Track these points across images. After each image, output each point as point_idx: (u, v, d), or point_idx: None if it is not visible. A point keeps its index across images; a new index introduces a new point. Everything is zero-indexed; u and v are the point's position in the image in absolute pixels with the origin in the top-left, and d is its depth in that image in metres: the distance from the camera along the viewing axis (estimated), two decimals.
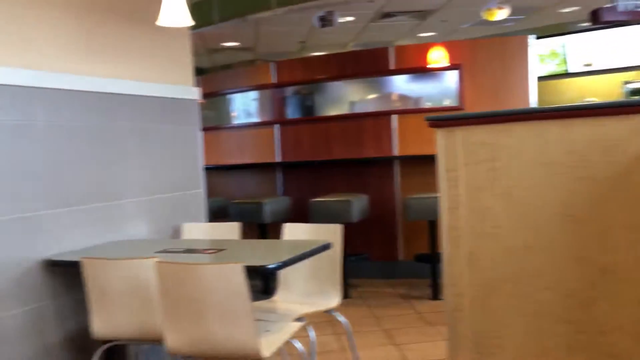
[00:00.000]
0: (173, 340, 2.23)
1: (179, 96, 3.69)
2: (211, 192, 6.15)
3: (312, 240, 2.85)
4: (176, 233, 3.59)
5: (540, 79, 6.15)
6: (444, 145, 2.31)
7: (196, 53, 9.78)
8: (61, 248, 2.86)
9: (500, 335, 2.23)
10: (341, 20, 8.20)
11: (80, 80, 3.01)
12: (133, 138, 3.35)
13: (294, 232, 3.16)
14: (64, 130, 2.93)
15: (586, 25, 8.23)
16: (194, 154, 3.84)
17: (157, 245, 2.96)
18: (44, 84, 2.80)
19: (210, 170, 6.20)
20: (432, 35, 10.11)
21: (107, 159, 3.17)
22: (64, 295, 2.84)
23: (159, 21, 2.87)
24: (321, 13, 6.51)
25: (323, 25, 6.65)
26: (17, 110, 2.68)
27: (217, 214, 5.52)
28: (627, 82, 8.55)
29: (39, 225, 2.76)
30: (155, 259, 2.29)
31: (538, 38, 6.04)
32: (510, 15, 7.95)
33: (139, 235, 3.35)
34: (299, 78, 6.19)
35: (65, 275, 2.84)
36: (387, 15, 8.47)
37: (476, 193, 2.25)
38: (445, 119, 2.31)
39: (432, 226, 4.88)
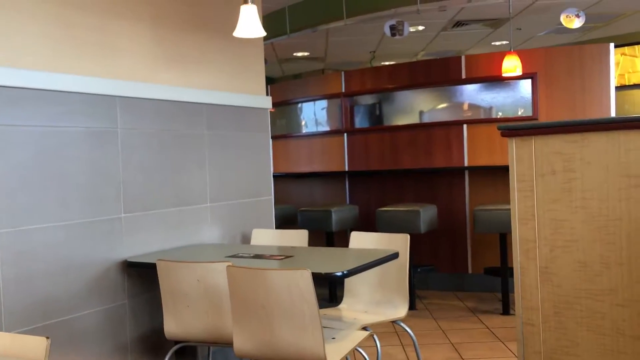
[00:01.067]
0: (241, 343, 2.25)
1: (251, 105, 3.76)
2: (280, 199, 6.27)
3: (379, 250, 2.84)
4: (246, 238, 3.63)
5: (618, 88, 5.91)
6: (517, 155, 2.26)
7: (270, 63, 10.02)
8: (138, 250, 2.93)
9: (574, 353, 2.17)
10: (412, 29, 8.24)
11: (158, 89, 3.10)
12: (207, 145, 3.43)
13: (360, 240, 3.15)
14: (143, 137, 3.02)
15: None
16: (264, 161, 3.90)
17: (228, 250, 2.99)
18: (125, 92, 2.89)
19: (279, 177, 6.30)
20: (505, 44, 9.90)
21: (183, 165, 3.26)
22: (140, 296, 2.92)
23: (236, 32, 2.93)
24: (392, 22, 6.50)
25: (393, 35, 6.64)
26: (99, 118, 2.78)
27: (285, 221, 5.57)
28: None
29: (119, 228, 2.84)
30: (226, 264, 2.31)
31: (616, 47, 5.80)
32: (587, 23, 7.71)
33: (210, 240, 3.41)
34: (369, 87, 6.21)
35: (142, 276, 2.92)
36: (459, 24, 8.37)
37: (550, 205, 2.19)
38: (519, 128, 2.25)
39: (503, 239, 4.78)
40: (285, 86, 7.02)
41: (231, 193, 3.59)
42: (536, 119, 5.44)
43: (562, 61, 5.44)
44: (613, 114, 5.39)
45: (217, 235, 3.45)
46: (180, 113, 3.25)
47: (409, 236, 3.02)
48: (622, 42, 8.67)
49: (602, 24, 8.75)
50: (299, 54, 10.01)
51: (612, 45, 5.43)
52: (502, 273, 4.80)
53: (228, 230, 3.53)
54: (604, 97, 5.38)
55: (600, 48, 5.41)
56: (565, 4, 7.20)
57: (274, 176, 4.12)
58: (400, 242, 2.99)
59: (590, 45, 5.46)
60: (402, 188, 5.90)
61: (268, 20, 7.12)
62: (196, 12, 3.39)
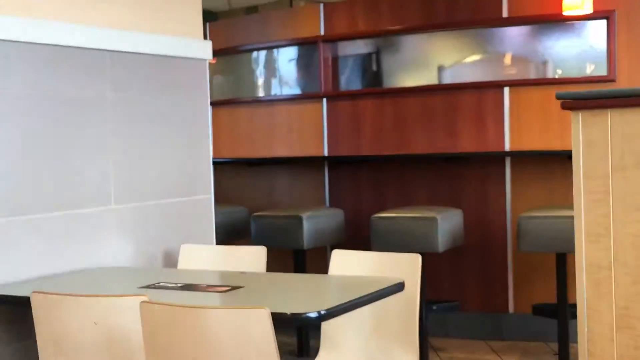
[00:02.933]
0: None
1: (180, 53, 3.76)
2: (224, 198, 6.21)
3: (375, 277, 2.85)
4: (171, 259, 3.63)
5: None
6: (585, 137, 2.28)
7: None
8: (4, 276, 2.91)
9: None
10: None
11: (31, 26, 3.07)
12: (111, 115, 3.42)
13: (346, 263, 3.15)
14: (7, 102, 2.99)
15: None
16: (199, 140, 3.90)
17: (143, 276, 2.98)
18: None
19: (224, 166, 6.26)
20: None
21: (72, 145, 3.24)
22: (5, 347, 2.88)
23: None
24: None
25: None
26: None
27: (232, 233, 5.54)
28: None
29: None
30: (139, 298, 2.30)
31: None
32: None
33: (116, 261, 3.40)
34: (361, 29, 6.20)
35: (8, 317, 2.88)
36: None
37: (634, 214, 2.21)
38: (588, 96, 2.28)
39: (561, 262, 4.84)
40: (233, 25, 6.98)
41: (148, 189, 3.59)
42: (614, 82, 5.45)
43: None
44: None
45: (127, 254, 3.45)
46: (70, 64, 3.22)
47: (420, 257, 3.03)
48: None
49: None
50: None
51: None
52: (560, 314, 4.83)
53: (143, 247, 3.52)
54: None
55: None
56: None
57: (214, 163, 4.06)
58: (406, 266, 3.00)
59: None
60: (411, 183, 5.90)
61: None
62: None
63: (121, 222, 3.45)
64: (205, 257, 3.47)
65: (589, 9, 5.48)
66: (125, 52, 3.48)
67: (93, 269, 3.25)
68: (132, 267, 3.43)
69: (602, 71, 5.57)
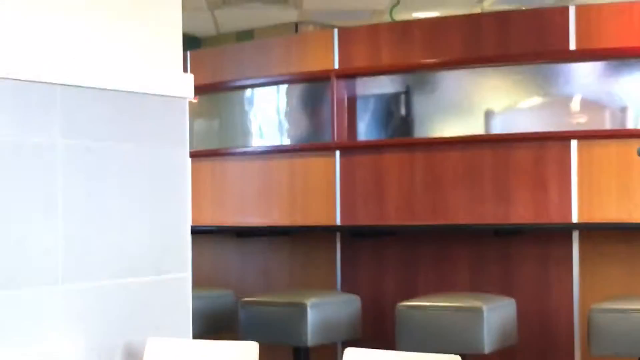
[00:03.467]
0: None
1: (151, 90, 3.72)
2: (206, 278, 6.17)
3: None
4: (134, 356, 3.57)
5: None
6: None
7: (191, 8, 9.89)
8: None
9: None
10: None
11: None
12: (62, 168, 3.37)
13: None
14: None
15: None
16: (175, 201, 3.87)
17: None
18: None
19: (206, 236, 6.26)
20: None
21: (11, 206, 3.21)
22: None
23: None
24: None
25: None
26: None
27: (214, 323, 5.51)
28: None
29: None
30: None
31: None
32: None
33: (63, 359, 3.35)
34: (386, 61, 6.25)
35: None
36: None
37: None
38: None
39: None
40: (221, 54, 7.06)
41: (107, 265, 3.55)
42: None
43: None
44: None
45: (77, 351, 3.38)
46: (8, 101, 3.20)
47: None
48: None
49: None
50: None
51: None
52: None
53: (98, 340, 3.47)
54: None
55: None
56: None
57: (194, 232, 4.02)
58: None
59: None
60: (449, 263, 5.95)
61: None
62: None
63: (70, 307, 3.39)
64: (179, 354, 3.42)
65: None
66: (80, 86, 3.44)
67: None
68: None
69: None
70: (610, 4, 5.81)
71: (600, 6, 5.87)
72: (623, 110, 5.98)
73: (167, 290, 3.81)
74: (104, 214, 3.56)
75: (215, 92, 6.89)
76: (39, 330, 3.28)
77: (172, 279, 3.83)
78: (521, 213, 5.80)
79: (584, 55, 5.83)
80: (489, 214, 5.86)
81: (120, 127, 3.63)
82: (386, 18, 10.55)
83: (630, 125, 5.92)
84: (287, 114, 6.86)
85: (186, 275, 3.90)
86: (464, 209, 5.95)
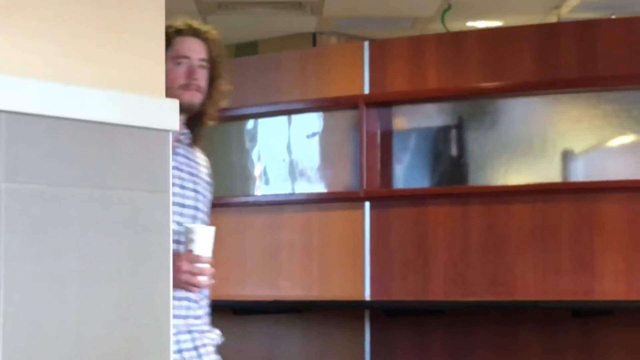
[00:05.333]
0: None
1: (127, 120, 3.17)
2: None
3: None
4: None
5: None
6: None
7: (178, 13, 9.73)
8: None
9: None
10: None
11: None
12: (4, 223, 2.83)
13: None
14: None
15: None
16: (157, 269, 3.25)
17: None
18: None
19: None
20: None
21: None
22: None
23: None
24: None
25: None
26: None
27: None
28: None
29: None
30: None
31: None
32: None
33: None
34: (432, 85, 6.05)
35: None
36: None
37: None
38: None
39: None
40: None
41: (64, 353, 2.94)
42: None
43: None
44: None
45: None
46: None
47: None
48: None
49: None
50: None
51: None
52: None
53: None
54: None
55: None
56: None
57: None
58: None
59: None
60: (512, 351, 5.67)
61: None
62: None
63: None
64: None
65: None
66: (30, 114, 2.93)
67: None
68: None
69: None
70: None
71: None
72: None
73: None
74: (57, 285, 2.91)
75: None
76: None
77: None
78: (610, 288, 5.47)
79: None
80: (566, 288, 5.53)
81: (85, 167, 3.01)
82: (434, 27, 10.43)
83: None
84: (302, 153, 6.56)
85: None
86: (534, 281, 5.64)
